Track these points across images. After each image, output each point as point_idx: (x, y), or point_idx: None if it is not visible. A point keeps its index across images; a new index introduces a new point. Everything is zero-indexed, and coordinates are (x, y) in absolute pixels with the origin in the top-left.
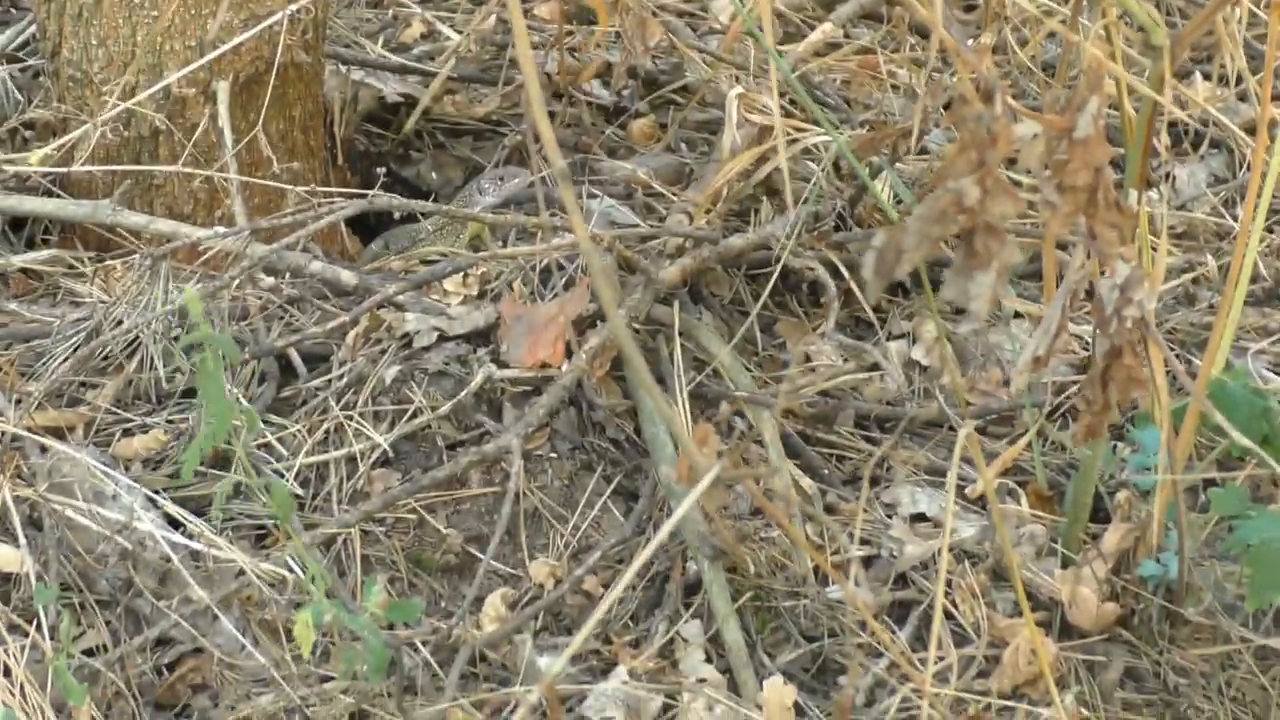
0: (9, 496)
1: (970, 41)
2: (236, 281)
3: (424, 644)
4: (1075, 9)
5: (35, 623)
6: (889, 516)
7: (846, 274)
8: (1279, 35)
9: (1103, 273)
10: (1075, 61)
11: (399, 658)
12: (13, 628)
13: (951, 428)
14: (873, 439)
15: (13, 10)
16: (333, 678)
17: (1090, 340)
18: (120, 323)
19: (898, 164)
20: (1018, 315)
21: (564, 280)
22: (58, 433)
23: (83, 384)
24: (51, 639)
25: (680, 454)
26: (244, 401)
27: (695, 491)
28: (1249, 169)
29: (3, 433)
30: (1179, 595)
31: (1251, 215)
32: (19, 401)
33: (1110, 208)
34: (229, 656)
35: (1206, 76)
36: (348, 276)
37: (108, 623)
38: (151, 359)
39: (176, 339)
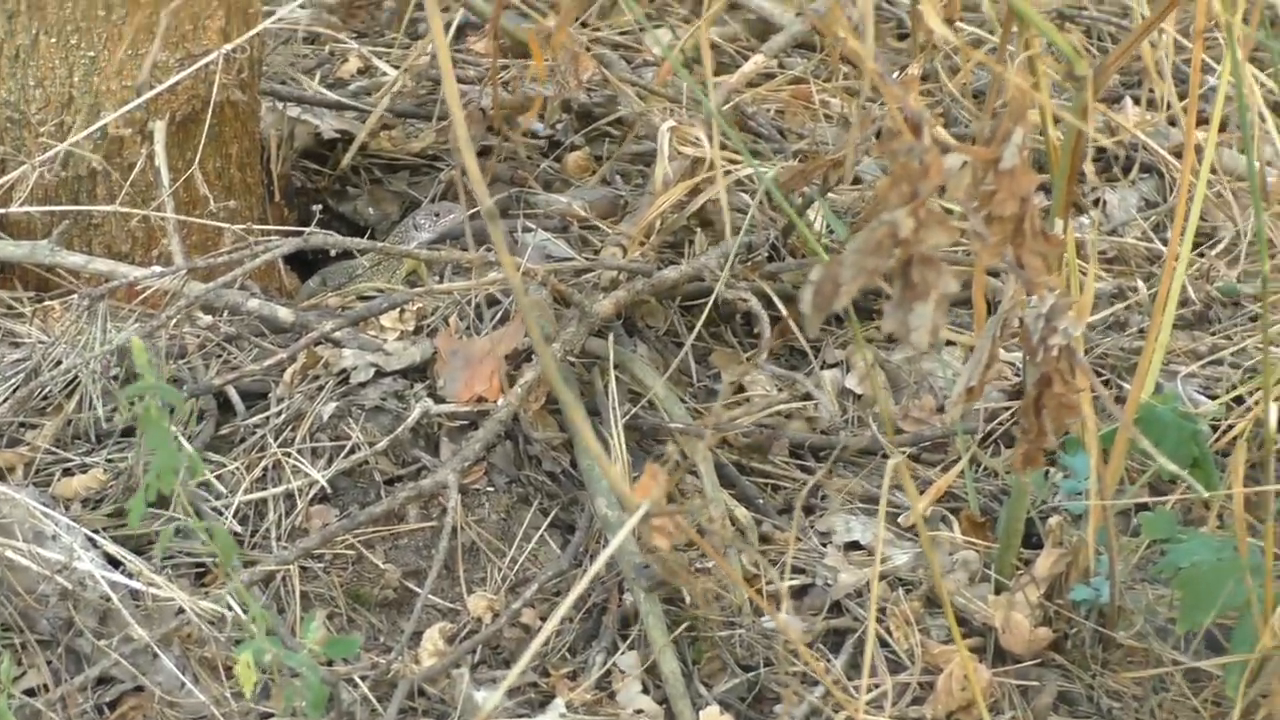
0: None
1: (898, 72)
2: (174, 320)
3: (363, 679)
4: (1004, 39)
5: None
6: (823, 545)
7: (780, 304)
8: (1202, 62)
9: (1030, 301)
10: (1003, 90)
11: (338, 693)
12: None
13: (884, 456)
14: (807, 468)
15: None
16: (273, 714)
17: (1020, 368)
18: (59, 363)
19: (830, 194)
20: (949, 342)
21: (499, 315)
22: None
23: (22, 424)
24: None
25: (620, 494)
26: (185, 443)
27: (627, 526)
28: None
29: None
30: (1111, 619)
31: (1179, 239)
32: None
33: (1036, 237)
34: (170, 695)
35: (1137, 101)
36: (285, 314)
37: (49, 662)
38: (90, 399)
39: (115, 378)
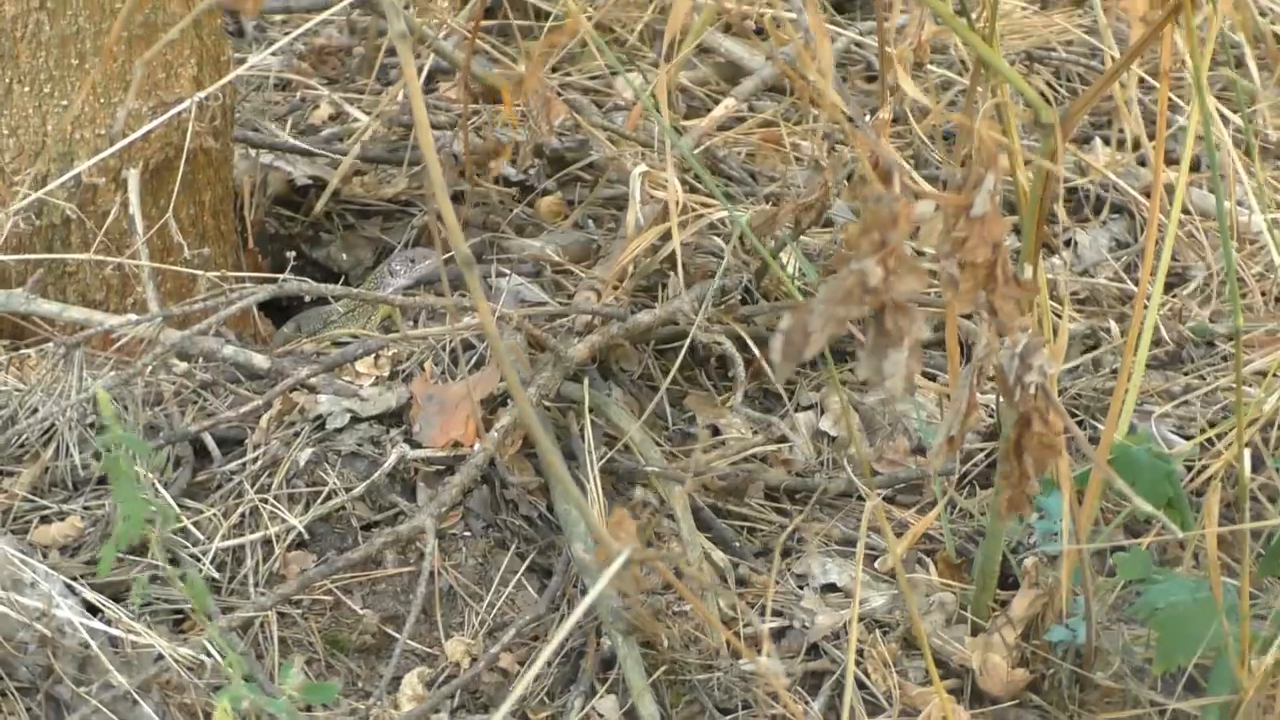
0: None
1: (868, 116)
2: (150, 368)
3: None
4: (972, 85)
5: None
6: (801, 588)
7: (754, 347)
8: (1169, 101)
9: (1004, 344)
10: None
11: None
12: None
13: (860, 498)
14: (784, 510)
15: None
16: None
17: (996, 410)
18: (36, 411)
19: (802, 237)
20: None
21: (474, 360)
22: None
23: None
24: None
25: (596, 538)
26: (160, 488)
27: (608, 574)
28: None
29: None
30: (1088, 660)
31: (1151, 279)
32: None
33: (1008, 282)
34: None
35: (1106, 141)
36: (260, 360)
37: (29, 709)
38: (67, 446)
39: (92, 426)
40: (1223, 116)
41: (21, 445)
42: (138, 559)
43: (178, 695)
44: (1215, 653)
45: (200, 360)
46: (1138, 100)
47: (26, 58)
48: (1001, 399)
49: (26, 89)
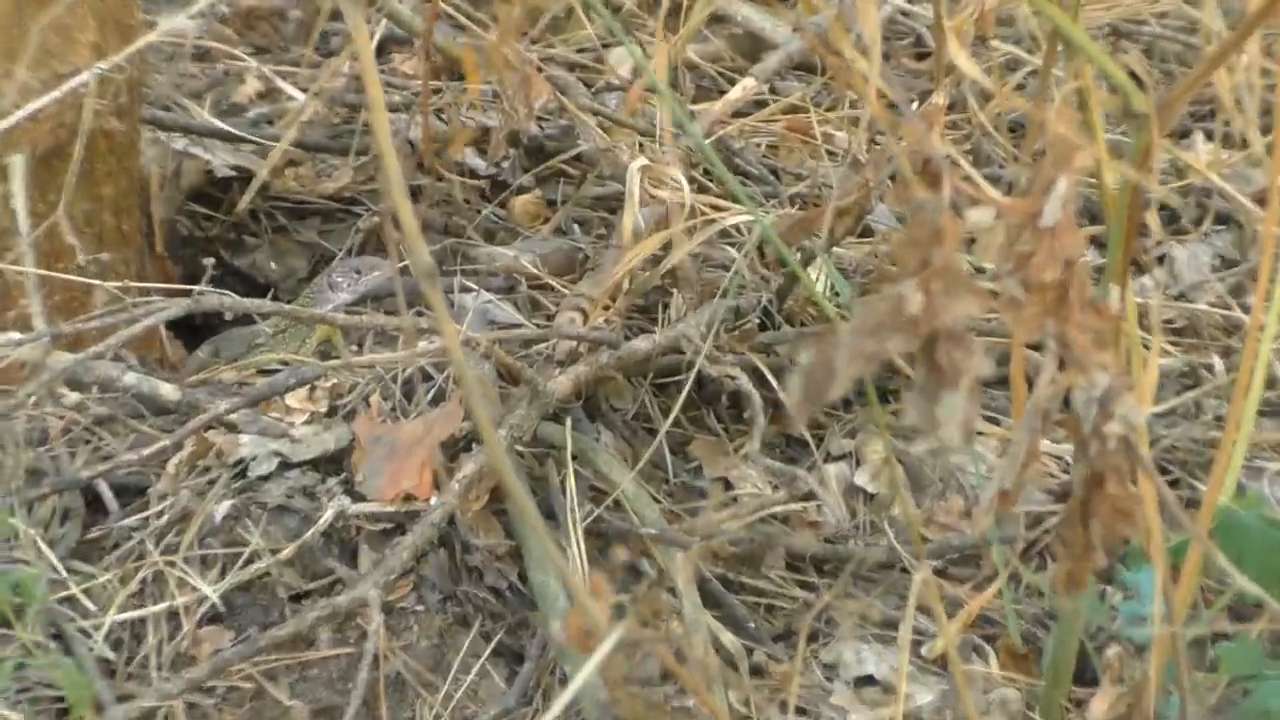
0: None
1: (917, 102)
2: (34, 398)
3: None
4: (1047, 64)
5: None
6: (830, 680)
7: (775, 382)
8: None
9: (1079, 384)
10: (1046, 128)
11: None
12: None
13: (905, 570)
14: (809, 584)
15: None
16: None
17: (1069, 463)
18: None
19: (835, 248)
20: (980, 431)
21: (432, 394)
22: None
23: None
24: None
25: (573, 608)
26: (43, 547)
27: (593, 659)
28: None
29: None
30: None
31: (1264, 305)
32: None
33: (1085, 308)
34: None
35: (1209, 136)
36: (169, 391)
37: None
38: None
39: None
40: None
41: None
42: (10, 633)
43: None
44: None
45: (95, 390)
46: (1250, 86)
47: None
48: (1075, 451)
49: None
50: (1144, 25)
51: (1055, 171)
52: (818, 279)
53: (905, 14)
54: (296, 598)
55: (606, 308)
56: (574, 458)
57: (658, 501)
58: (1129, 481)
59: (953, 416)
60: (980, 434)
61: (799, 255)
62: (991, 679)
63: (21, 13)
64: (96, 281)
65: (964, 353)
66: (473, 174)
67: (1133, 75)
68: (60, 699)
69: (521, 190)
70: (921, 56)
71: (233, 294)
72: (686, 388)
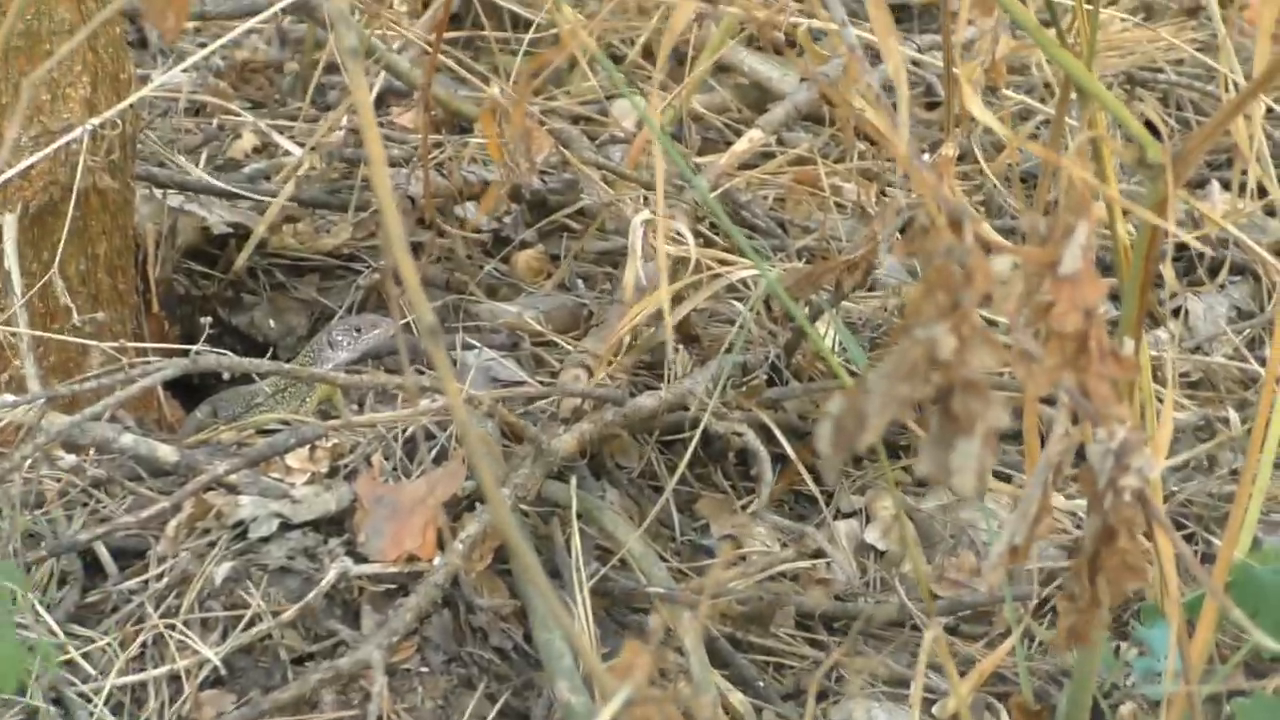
0: None
1: (929, 152)
2: (30, 460)
3: None
4: (1060, 112)
5: None
6: None
7: (783, 439)
8: None
9: (1096, 436)
10: (1060, 177)
11: None
12: None
13: (915, 627)
14: (819, 642)
15: None
16: None
17: (1082, 518)
18: None
19: (844, 302)
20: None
21: (435, 453)
22: None
23: None
24: None
25: (586, 675)
26: (42, 611)
27: (602, 715)
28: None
29: None
30: None
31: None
32: None
33: (1105, 358)
34: None
35: (1226, 186)
36: (167, 452)
37: None
38: None
39: None
40: None
41: None
42: (14, 698)
43: None
44: None
45: (92, 452)
46: (1266, 136)
47: None
48: (1087, 505)
49: None
50: (1160, 73)
51: (1073, 220)
52: (826, 334)
53: (915, 64)
54: (299, 660)
55: (611, 364)
56: (579, 516)
57: (665, 560)
58: (1141, 536)
59: (967, 465)
60: (991, 490)
61: (807, 310)
62: None
63: (10, 67)
64: (92, 342)
65: (982, 401)
66: (475, 229)
67: (1148, 124)
68: None
69: (524, 245)
70: (931, 106)
71: (231, 353)
72: (693, 445)
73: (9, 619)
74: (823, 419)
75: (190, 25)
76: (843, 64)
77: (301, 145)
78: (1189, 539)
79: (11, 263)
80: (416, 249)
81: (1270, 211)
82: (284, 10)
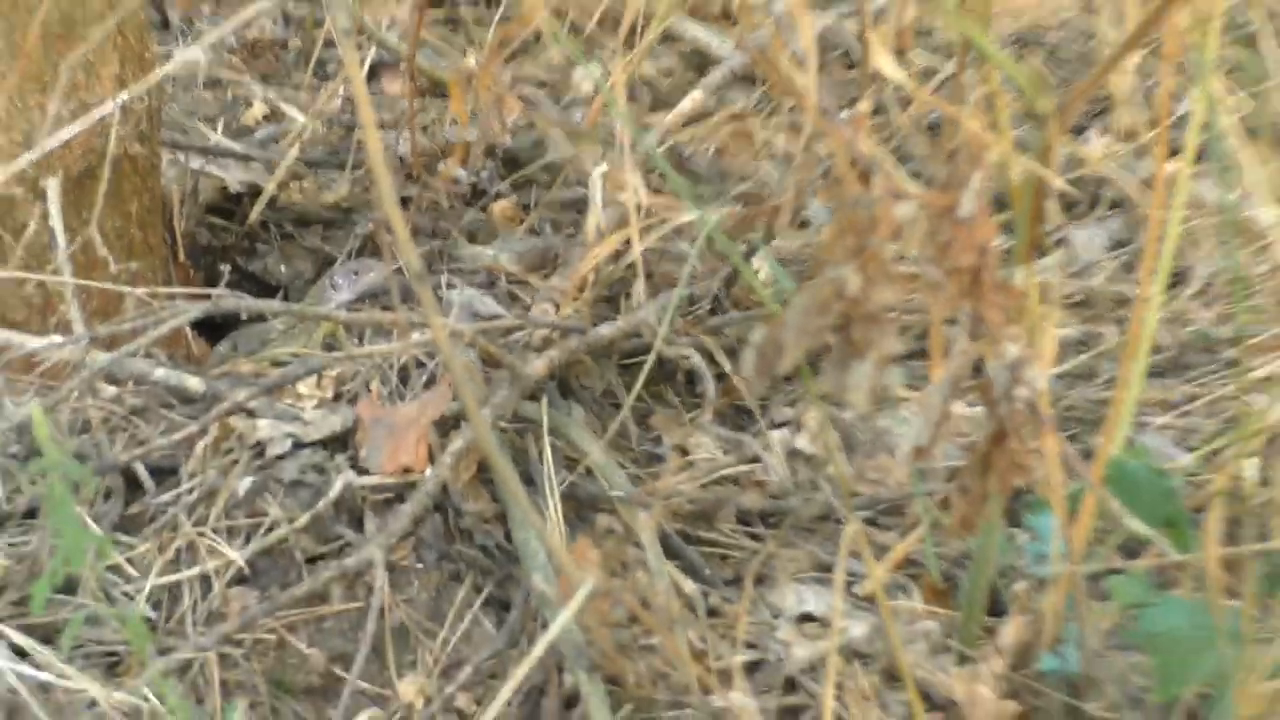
0: None
1: (847, 108)
2: (76, 392)
3: None
4: (959, 71)
5: None
6: (775, 618)
7: (724, 361)
8: (1172, 88)
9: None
10: (959, 130)
11: None
12: None
13: (839, 521)
14: (757, 536)
15: None
16: None
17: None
18: None
19: (774, 241)
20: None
21: (425, 379)
22: None
23: None
24: None
25: (557, 568)
26: (91, 523)
27: (570, 607)
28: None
29: None
30: (1082, 690)
31: (1149, 280)
32: None
33: (996, 288)
34: None
35: (1106, 130)
36: (194, 383)
37: None
38: None
39: (15, 457)
40: (1230, 102)
41: None
42: (67, 598)
43: None
44: (1217, 680)
45: (130, 384)
46: (1138, 87)
47: None
48: (985, 411)
49: None
50: (1046, 34)
51: (969, 168)
52: (759, 269)
53: (837, 30)
54: (311, 560)
55: (576, 299)
56: (550, 431)
57: (624, 468)
58: (1030, 438)
59: (860, 384)
60: (904, 400)
61: (743, 248)
62: (915, 612)
63: (50, 51)
64: (127, 289)
65: (877, 330)
66: (456, 183)
67: (1036, 81)
68: (109, 654)
69: (499, 196)
70: (850, 68)
71: (247, 296)
72: (647, 367)
73: (72, 509)
74: (746, 348)
75: (205, 8)
76: (770, 33)
77: (305, 112)
78: (1072, 439)
79: (56, 221)
80: (405, 201)
81: (1140, 153)
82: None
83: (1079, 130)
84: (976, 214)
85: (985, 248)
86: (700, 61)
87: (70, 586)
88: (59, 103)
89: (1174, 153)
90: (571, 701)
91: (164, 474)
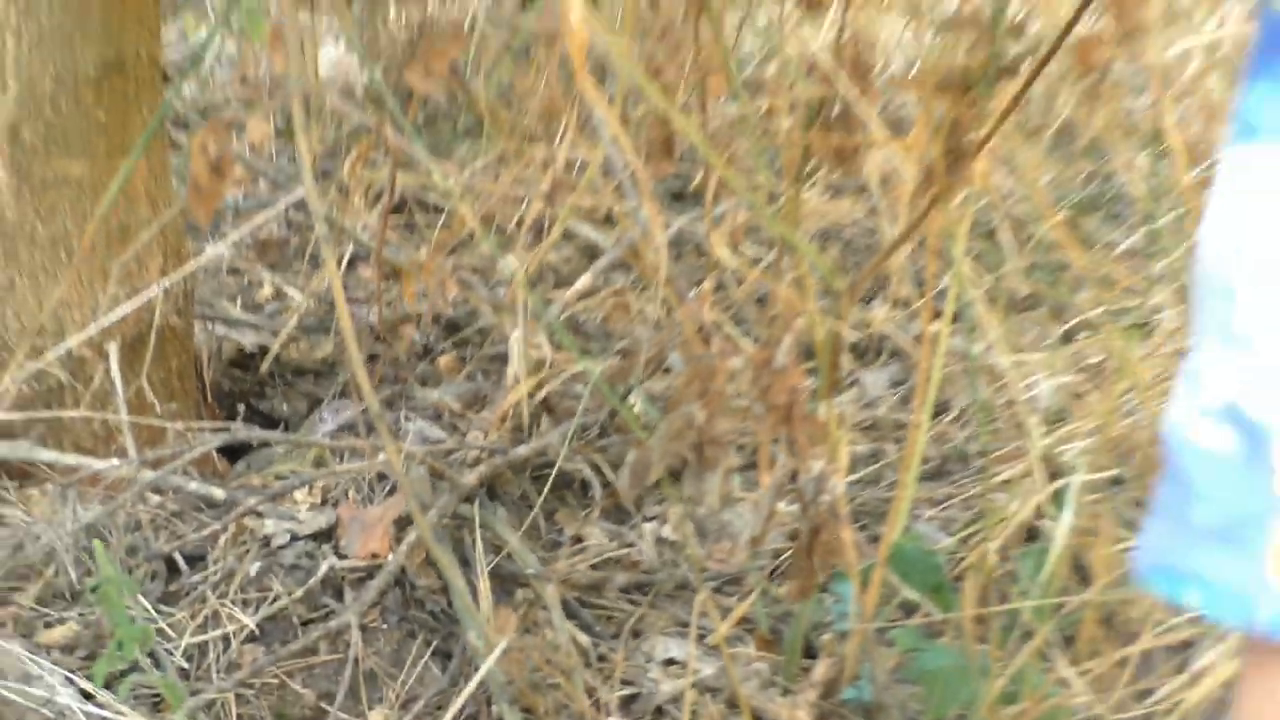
0: None
1: (696, 287)
2: (130, 501)
3: None
4: (779, 257)
5: None
6: (647, 662)
7: (609, 472)
8: (934, 269)
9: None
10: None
11: None
12: None
13: (694, 590)
14: (634, 601)
15: None
16: None
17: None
18: (39, 538)
19: (645, 384)
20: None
21: (388, 488)
22: None
23: (10, 587)
24: None
25: (487, 628)
26: (140, 597)
27: (493, 657)
28: (919, 373)
29: None
30: (874, 713)
31: (920, 410)
32: None
33: (805, 419)
34: None
35: (886, 299)
36: (218, 493)
37: None
38: (65, 566)
39: (85, 550)
40: (976, 279)
41: (28, 566)
42: (124, 655)
43: None
44: (971, 705)
45: (170, 494)
46: (909, 268)
47: (25, 257)
48: (800, 510)
49: (26, 281)
50: (843, 231)
51: (784, 330)
52: (634, 405)
53: (687, 230)
54: (305, 623)
55: (499, 427)
56: (480, 526)
57: (535, 552)
58: (836, 530)
59: (713, 489)
60: (741, 500)
61: (621, 389)
62: (750, 657)
63: (111, 249)
64: (168, 424)
65: (722, 452)
66: (412, 343)
67: (840, 264)
68: (154, 696)
69: (443, 352)
70: (701, 255)
71: (257, 428)
72: (551, 478)
73: (125, 611)
74: (624, 464)
75: (230, 214)
76: (639, 233)
77: (301, 292)
78: (863, 529)
79: (115, 375)
80: (374, 357)
81: (911, 316)
82: (289, 205)
83: (867, 299)
84: (789, 364)
85: (796, 389)
86: (591, 252)
87: (125, 647)
88: (116, 287)
89: (937, 316)
90: None
91: (195, 560)
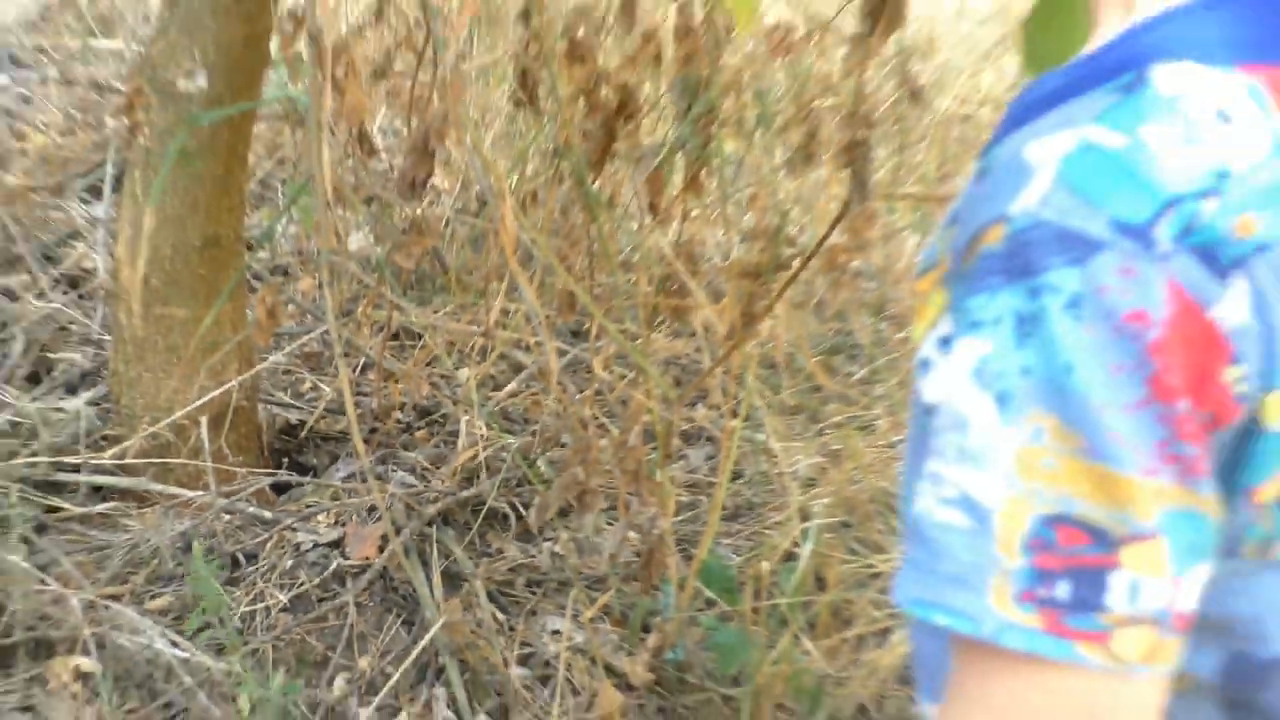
0: (88, 634)
1: (580, 395)
2: (210, 518)
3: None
4: (638, 374)
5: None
6: (540, 632)
7: (522, 510)
8: (736, 387)
9: (643, 512)
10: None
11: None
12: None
13: (573, 586)
14: (533, 592)
15: (101, 375)
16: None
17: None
18: (149, 540)
19: (547, 452)
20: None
21: (378, 515)
22: (117, 598)
23: (129, 572)
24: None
25: (437, 607)
26: (214, 582)
27: (438, 624)
28: (723, 452)
29: (88, 601)
30: (686, 667)
31: (722, 473)
32: (94, 582)
33: (645, 481)
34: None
35: (706, 404)
36: (268, 514)
37: (140, 702)
38: (165, 559)
39: (179, 549)
40: (762, 393)
41: (141, 559)
42: (204, 617)
43: (218, 686)
44: (749, 665)
45: (236, 515)
46: (721, 383)
47: (150, 360)
48: (640, 540)
49: (149, 375)
50: (680, 359)
51: (634, 421)
52: (540, 466)
53: (581, 356)
54: (319, 600)
55: (452, 478)
56: (436, 542)
57: (472, 559)
58: (664, 552)
59: (588, 523)
60: (606, 528)
61: (532, 457)
62: (607, 630)
63: (203, 356)
64: (238, 469)
65: (595, 499)
66: (398, 421)
67: (675, 380)
68: (220, 646)
69: (419, 429)
70: (589, 372)
71: (295, 474)
72: (484, 511)
73: (212, 584)
74: (531, 506)
75: (287, 338)
76: (548, 356)
77: (330, 387)
78: (683, 552)
79: (205, 438)
80: (374, 431)
81: (722, 415)
82: (322, 332)
83: (692, 404)
84: (638, 444)
85: (642, 460)
86: (517, 367)
87: (206, 611)
88: (207, 381)
89: (735, 415)
90: (442, 670)
91: (250, 558)
